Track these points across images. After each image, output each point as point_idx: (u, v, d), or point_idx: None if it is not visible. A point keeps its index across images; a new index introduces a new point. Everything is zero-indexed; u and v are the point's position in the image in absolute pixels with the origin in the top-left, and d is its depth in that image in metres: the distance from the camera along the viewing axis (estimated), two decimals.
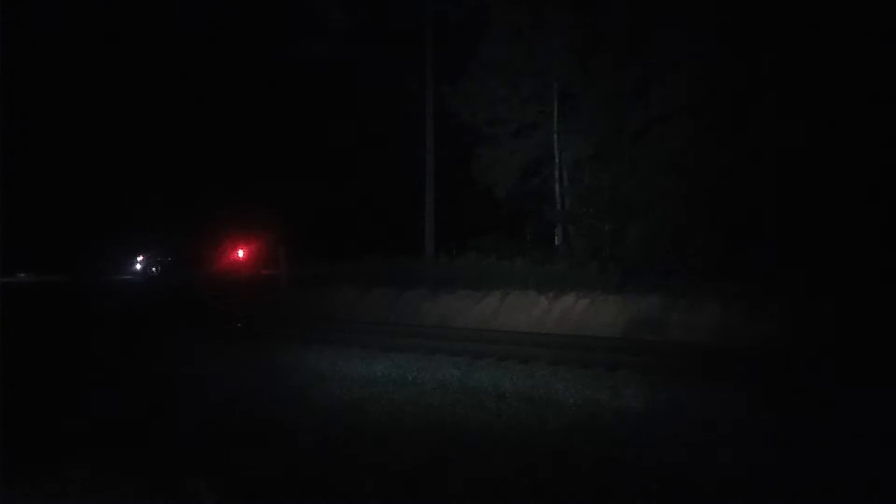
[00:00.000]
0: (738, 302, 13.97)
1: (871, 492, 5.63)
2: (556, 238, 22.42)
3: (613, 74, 20.06)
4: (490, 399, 8.85)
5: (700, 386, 9.00)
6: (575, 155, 22.01)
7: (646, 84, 19.94)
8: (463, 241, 21.80)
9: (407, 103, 26.12)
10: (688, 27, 18.48)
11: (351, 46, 25.56)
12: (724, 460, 6.34)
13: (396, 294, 20.39)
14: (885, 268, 13.04)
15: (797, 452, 6.47)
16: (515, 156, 22.60)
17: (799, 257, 14.44)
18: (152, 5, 36.34)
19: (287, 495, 5.82)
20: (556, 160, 22.40)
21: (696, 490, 5.68)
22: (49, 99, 38.77)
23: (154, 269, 48.02)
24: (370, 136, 31.06)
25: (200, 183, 38.85)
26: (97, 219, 42.52)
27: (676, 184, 18.14)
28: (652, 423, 7.62)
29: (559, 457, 6.52)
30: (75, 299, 28.81)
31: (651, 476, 5.89)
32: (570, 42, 20.71)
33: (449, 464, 6.43)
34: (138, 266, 49.61)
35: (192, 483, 5.49)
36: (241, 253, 34.74)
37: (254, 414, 8.80)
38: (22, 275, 42.70)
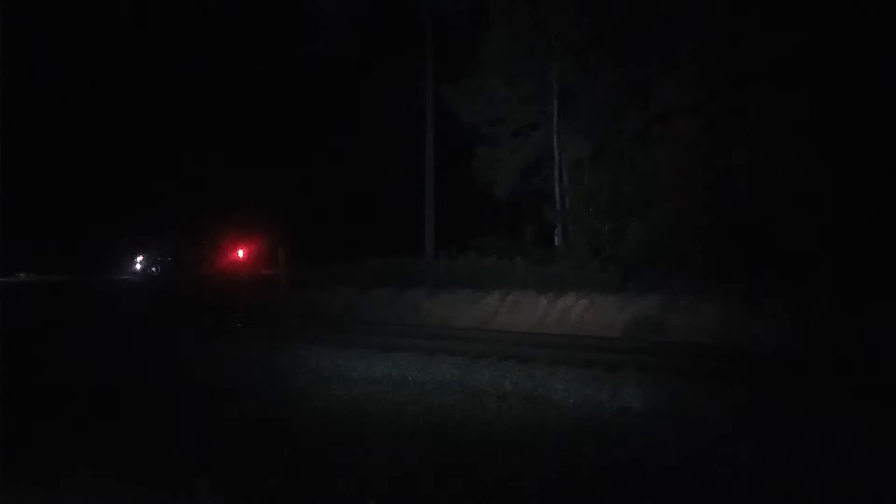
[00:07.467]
0: (738, 302, 13.97)
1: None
2: (556, 238, 22.40)
3: (613, 74, 20.05)
4: (490, 399, 8.86)
5: (700, 386, 8.99)
6: (575, 155, 21.98)
7: (646, 84, 19.92)
8: (463, 241, 21.78)
9: (407, 103, 26.13)
10: (687, 26, 18.46)
11: (351, 47, 25.60)
12: (724, 460, 6.35)
13: (396, 294, 20.39)
14: (884, 269, 13.04)
15: (795, 452, 6.47)
16: (515, 156, 22.57)
17: (798, 258, 14.43)
18: (153, 6, 36.40)
19: (287, 496, 5.83)
20: (556, 160, 22.38)
21: (695, 490, 5.69)
22: (50, 100, 38.82)
23: (154, 268, 48.07)
24: (370, 135, 31.06)
25: (200, 183, 38.88)
26: (97, 219, 42.55)
27: (676, 184, 18.11)
28: (652, 423, 7.63)
29: (559, 457, 6.53)
30: (73, 300, 28.77)
31: (651, 475, 5.90)
32: (569, 42, 20.71)
33: (449, 464, 6.44)
34: (138, 266, 49.66)
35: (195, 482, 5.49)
36: (241, 253, 34.78)
37: (253, 415, 8.80)
38: (21, 275, 42.69)
